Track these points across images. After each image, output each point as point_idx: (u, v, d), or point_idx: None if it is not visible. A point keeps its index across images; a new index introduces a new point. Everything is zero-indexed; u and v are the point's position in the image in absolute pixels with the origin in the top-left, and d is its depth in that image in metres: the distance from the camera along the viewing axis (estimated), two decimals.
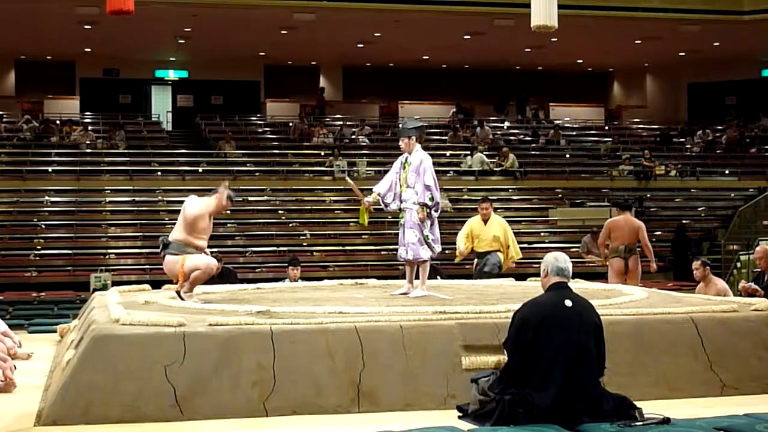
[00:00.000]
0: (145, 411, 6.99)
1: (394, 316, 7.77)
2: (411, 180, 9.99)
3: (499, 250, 13.29)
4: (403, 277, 10.78)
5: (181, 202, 10.06)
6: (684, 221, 24.29)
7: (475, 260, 13.63)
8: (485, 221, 13.44)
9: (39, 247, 21.02)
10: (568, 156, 29.24)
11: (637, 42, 28.63)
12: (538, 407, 6.44)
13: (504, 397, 6.51)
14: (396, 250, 10.40)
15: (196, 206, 9.93)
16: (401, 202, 10.09)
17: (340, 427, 6.58)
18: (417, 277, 10.20)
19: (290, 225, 22.83)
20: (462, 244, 13.54)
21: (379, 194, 10.21)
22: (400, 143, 10.22)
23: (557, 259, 6.79)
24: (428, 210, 9.97)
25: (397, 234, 10.32)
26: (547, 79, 33.97)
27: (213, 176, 24.89)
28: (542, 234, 23.37)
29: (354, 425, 6.66)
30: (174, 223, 9.90)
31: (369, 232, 22.05)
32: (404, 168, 10.08)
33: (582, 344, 6.57)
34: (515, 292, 10.14)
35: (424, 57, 31.38)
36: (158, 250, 9.87)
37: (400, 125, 10.36)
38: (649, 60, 32.80)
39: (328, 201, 24.27)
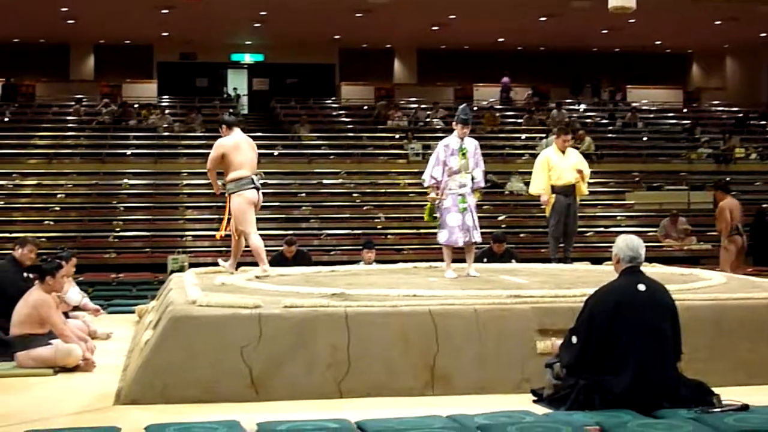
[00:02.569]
0: (222, 391, 7.07)
1: (468, 300, 7.77)
2: (471, 165, 10.16)
3: (574, 187, 12.44)
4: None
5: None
6: (764, 205, 23.87)
7: (555, 197, 12.40)
8: (563, 151, 12.55)
9: (118, 229, 21.32)
10: (645, 139, 28.94)
11: (716, 23, 28.18)
12: (613, 392, 6.40)
13: (579, 382, 6.47)
14: None
15: None
16: (461, 187, 10.11)
17: (414, 409, 6.58)
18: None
19: (364, 208, 22.88)
20: (544, 184, 12.44)
21: (437, 184, 10.22)
22: (465, 130, 10.22)
23: (628, 244, 6.69)
24: (481, 193, 10.39)
25: None
26: (624, 60, 33.61)
27: (288, 159, 25.07)
28: (618, 218, 23.17)
29: (428, 408, 6.66)
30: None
31: None
32: (463, 155, 10.13)
33: (657, 328, 6.50)
34: (591, 276, 10.05)
35: (500, 39, 31.21)
36: (258, 187, 10.29)
37: (463, 113, 10.33)
38: (728, 41, 32.28)
39: (403, 184, 24.27)
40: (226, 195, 10.28)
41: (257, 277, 10.04)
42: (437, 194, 10.21)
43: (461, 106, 10.76)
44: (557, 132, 13.31)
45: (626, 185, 25.14)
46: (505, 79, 32.54)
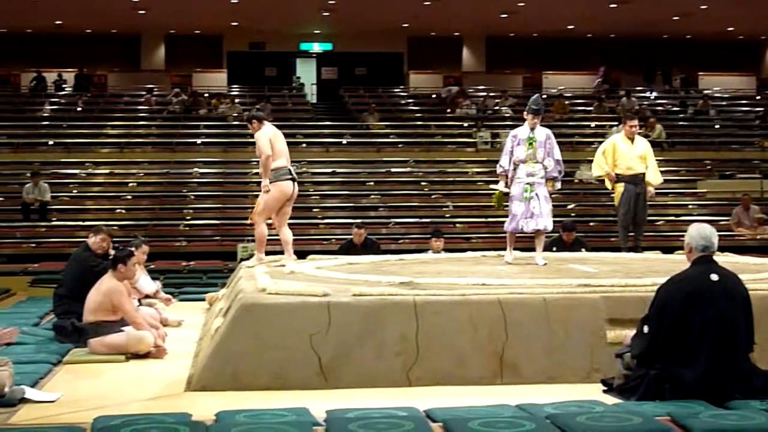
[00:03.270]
0: (291, 378, 7.12)
1: (537, 289, 7.74)
2: (540, 155, 10.27)
3: (644, 175, 12.32)
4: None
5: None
6: None
7: (623, 186, 12.32)
8: (631, 139, 12.43)
9: (188, 218, 21.48)
10: (717, 126, 28.54)
11: None
12: (684, 383, 6.34)
13: (650, 372, 6.42)
14: None
15: None
16: (528, 176, 10.26)
17: (482, 398, 6.58)
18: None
19: (433, 196, 22.84)
20: (603, 165, 12.43)
21: (505, 173, 10.44)
22: (536, 120, 10.35)
23: (700, 233, 6.61)
24: (555, 183, 10.40)
25: None
26: (696, 47, 33.17)
27: (357, 148, 25.10)
28: (690, 206, 22.89)
29: (497, 397, 6.65)
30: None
31: None
32: (530, 145, 10.27)
33: (730, 318, 6.43)
34: (661, 265, 9.97)
35: (569, 26, 30.97)
36: (295, 178, 10.43)
37: (534, 103, 10.49)
38: None
39: (471, 173, 24.18)
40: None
41: (250, 265, 10.25)
42: (506, 183, 10.38)
43: (533, 96, 10.84)
44: (624, 118, 13.20)
45: (698, 173, 24.82)
46: (603, 68, 32.34)
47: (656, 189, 12.70)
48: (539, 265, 10.16)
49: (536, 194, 10.21)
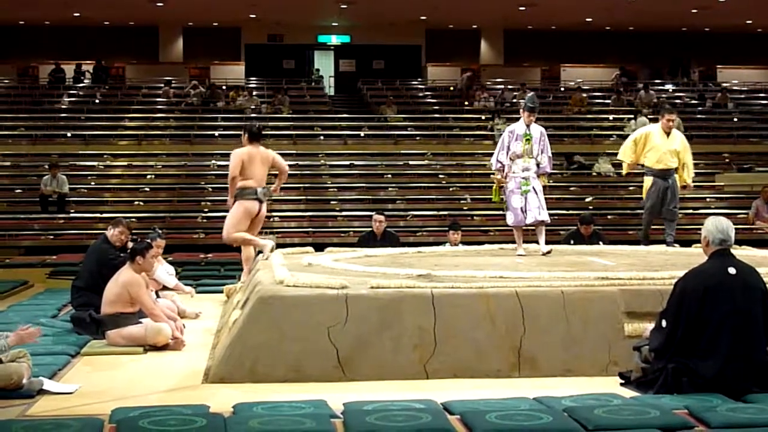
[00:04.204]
0: (309, 371, 7.14)
1: (555, 281, 7.73)
2: (535, 151, 10.66)
3: (675, 170, 12.01)
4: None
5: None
6: None
7: (652, 179, 12.03)
8: (667, 133, 12.09)
9: (206, 210, 21.50)
10: (735, 120, 28.43)
11: None
12: (702, 376, 6.33)
13: (668, 365, 6.41)
14: None
15: None
16: (523, 171, 10.64)
17: (500, 391, 6.58)
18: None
19: (450, 189, 22.82)
20: (630, 155, 12.23)
21: (502, 168, 10.81)
22: (532, 118, 10.74)
23: (717, 226, 6.59)
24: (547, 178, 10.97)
25: None
26: (714, 40, 33.06)
27: (374, 140, 25.10)
28: (708, 200, 22.80)
29: (514, 390, 6.65)
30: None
31: None
32: (527, 141, 10.64)
33: (748, 312, 6.41)
34: (679, 258, 9.93)
35: (587, 19, 30.90)
36: (261, 200, 10.95)
37: (530, 102, 10.95)
38: None
39: (489, 165, 24.14)
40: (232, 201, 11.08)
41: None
42: (503, 177, 10.78)
43: (529, 95, 11.42)
44: (661, 112, 12.94)
45: (716, 167, 24.72)
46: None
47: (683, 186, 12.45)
48: (543, 252, 10.47)
49: (533, 188, 10.59)
